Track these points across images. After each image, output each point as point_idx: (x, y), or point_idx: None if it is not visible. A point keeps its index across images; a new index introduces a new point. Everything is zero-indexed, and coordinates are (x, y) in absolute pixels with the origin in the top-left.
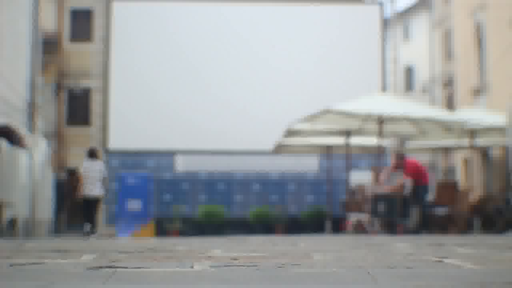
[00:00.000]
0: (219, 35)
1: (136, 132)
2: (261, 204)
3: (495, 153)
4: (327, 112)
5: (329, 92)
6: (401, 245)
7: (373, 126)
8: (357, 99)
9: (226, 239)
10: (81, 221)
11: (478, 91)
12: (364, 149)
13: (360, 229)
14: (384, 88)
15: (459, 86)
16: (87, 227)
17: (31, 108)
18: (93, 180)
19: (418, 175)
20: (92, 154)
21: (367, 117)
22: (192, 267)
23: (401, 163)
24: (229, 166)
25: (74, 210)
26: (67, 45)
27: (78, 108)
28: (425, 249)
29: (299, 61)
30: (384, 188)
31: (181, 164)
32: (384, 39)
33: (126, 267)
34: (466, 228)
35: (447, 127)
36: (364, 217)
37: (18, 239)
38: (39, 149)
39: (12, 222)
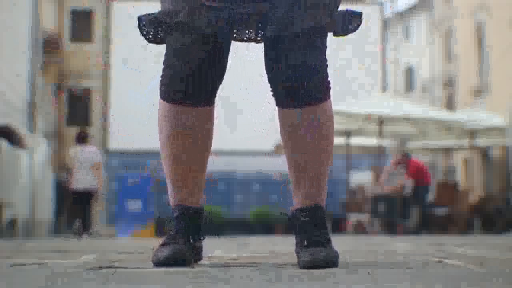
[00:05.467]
0: None
1: (136, 132)
2: (261, 204)
3: (495, 153)
4: None
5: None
6: (401, 245)
7: (373, 127)
8: (358, 100)
9: (226, 239)
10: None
11: (478, 91)
12: (364, 149)
13: (360, 229)
14: (384, 88)
15: (459, 86)
16: (76, 224)
17: (31, 108)
18: (84, 169)
19: (419, 175)
20: (81, 139)
21: (367, 118)
22: (192, 267)
23: (405, 162)
24: (229, 166)
25: (74, 210)
26: (67, 45)
27: (78, 108)
28: (425, 249)
29: None
30: (384, 188)
31: None
32: (384, 39)
33: (126, 267)
34: (466, 228)
35: (447, 127)
36: (364, 217)
37: (18, 239)
38: (39, 149)
39: (12, 222)
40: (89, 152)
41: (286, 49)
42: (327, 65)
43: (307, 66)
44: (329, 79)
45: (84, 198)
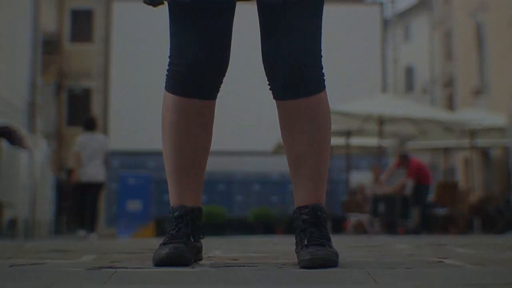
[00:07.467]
0: None
1: (136, 132)
2: (261, 204)
3: (495, 153)
4: None
5: (329, 92)
6: (401, 245)
7: (373, 127)
8: (358, 100)
9: (226, 240)
10: (81, 221)
11: (478, 91)
12: (365, 149)
13: (360, 229)
14: (384, 89)
15: (459, 86)
16: (81, 234)
17: (31, 109)
18: (92, 159)
19: (420, 175)
20: (89, 126)
21: (367, 118)
22: (192, 267)
23: (405, 163)
24: (229, 166)
25: (74, 211)
26: (67, 45)
27: (78, 108)
28: (425, 249)
29: None
30: (385, 189)
31: None
32: (384, 39)
33: (126, 267)
34: (466, 228)
35: (447, 127)
36: (364, 217)
37: (18, 240)
38: (39, 149)
39: (12, 222)
40: (98, 141)
41: (283, 34)
42: (321, 56)
43: (304, 55)
44: (323, 71)
45: (90, 191)
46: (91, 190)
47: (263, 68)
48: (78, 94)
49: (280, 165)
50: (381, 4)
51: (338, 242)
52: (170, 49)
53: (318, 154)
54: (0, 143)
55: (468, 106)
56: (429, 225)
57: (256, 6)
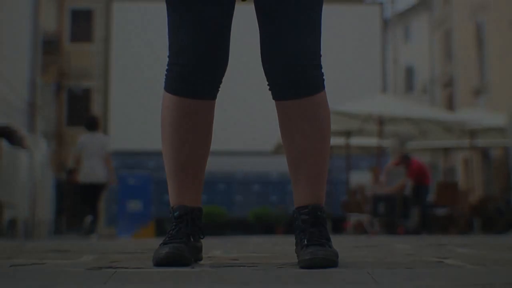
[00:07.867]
0: None
1: (136, 132)
2: (261, 204)
3: (495, 153)
4: None
5: (329, 93)
6: (401, 245)
7: (373, 127)
8: (358, 100)
9: (226, 240)
10: (81, 221)
11: (478, 91)
12: (365, 149)
13: (360, 229)
14: (384, 89)
15: (459, 86)
16: (88, 221)
17: (31, 109)
18: (94, 159)
19: (420, 175)
20: (91, 125)
21: (367, 118)
22: (192, 267)
23: (406, 163)
24: (229, 166)
25: (74, 211)
26: (67, 45)
27: (78, 108)
28: (425, 249)
29: None
30: (385, 189)
31: None
32: (384, 39)
33: (127, 268)
34: (466, 228)
35: (447, 127)
36: (364, 217)
37: (18, 240)
38: (39, 149)
39: (12, 223)
40: (100, 140)
41: (282, 33)
42: (321, 55)
43: (304, 55)
44: (323, 70)
45: (92, 192)
46: (93, 190)
47: (262, 68)
48: (78, 94)
49: (280, 165)
50: (381, 4)
51: (338, 242)
52: (169, 49)
53: (318, 154)
54: (0, 143)
55: (468, 106)
56: (429, 225)
57: (254, 6)
